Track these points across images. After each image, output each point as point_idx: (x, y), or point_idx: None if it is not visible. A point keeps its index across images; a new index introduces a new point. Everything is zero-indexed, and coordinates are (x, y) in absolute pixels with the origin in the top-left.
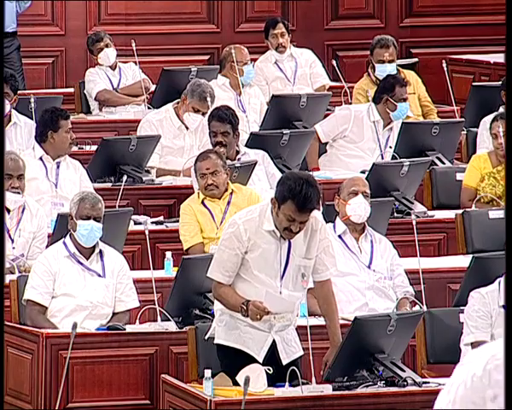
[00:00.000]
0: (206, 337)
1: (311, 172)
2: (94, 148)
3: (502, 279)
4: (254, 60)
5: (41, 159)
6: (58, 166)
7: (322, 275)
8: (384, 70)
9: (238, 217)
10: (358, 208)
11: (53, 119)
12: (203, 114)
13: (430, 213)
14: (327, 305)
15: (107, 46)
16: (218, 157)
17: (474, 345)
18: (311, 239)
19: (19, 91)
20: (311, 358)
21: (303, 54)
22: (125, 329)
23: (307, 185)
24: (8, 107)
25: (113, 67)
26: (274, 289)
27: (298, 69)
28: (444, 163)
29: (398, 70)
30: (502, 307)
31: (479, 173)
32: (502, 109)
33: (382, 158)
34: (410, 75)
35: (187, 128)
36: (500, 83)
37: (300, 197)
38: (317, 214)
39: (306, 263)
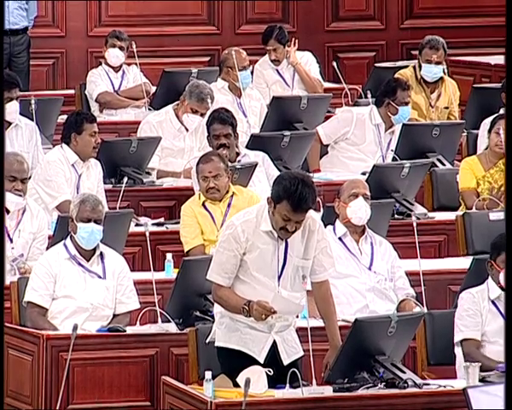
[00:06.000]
0: (206, 341)
1: (311, 174)
2: None
3: (489, 279)
4: (255, 62)
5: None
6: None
7: (320, 276)
8: (430, 71)
9: (236, 218)
10: (359, 211)
11: (77, 121)
12: (202, 114)
13: (430, 214)
14: (325, 306)
15: (120, 48)
16: (220, 160)
17: (464, 343)
18: (308, 240)
19: (20, 93)
20: (311, 359)
21: (303, 58)
22: (125, 330)
23: (303, 185)
24: None
25: (116, 69)
26: (272, 290)
27: (296, 74)
28: (444, 165)
29: (441, 77)
30: (491, 303)
31: (473, 175)
32: (502, 111)
33: (383, 161)
34: (452, 85)
35: (187, 130)
36: (500, 84)
37: (295, 197)
38: (314, 215)
39: (304, 264)
